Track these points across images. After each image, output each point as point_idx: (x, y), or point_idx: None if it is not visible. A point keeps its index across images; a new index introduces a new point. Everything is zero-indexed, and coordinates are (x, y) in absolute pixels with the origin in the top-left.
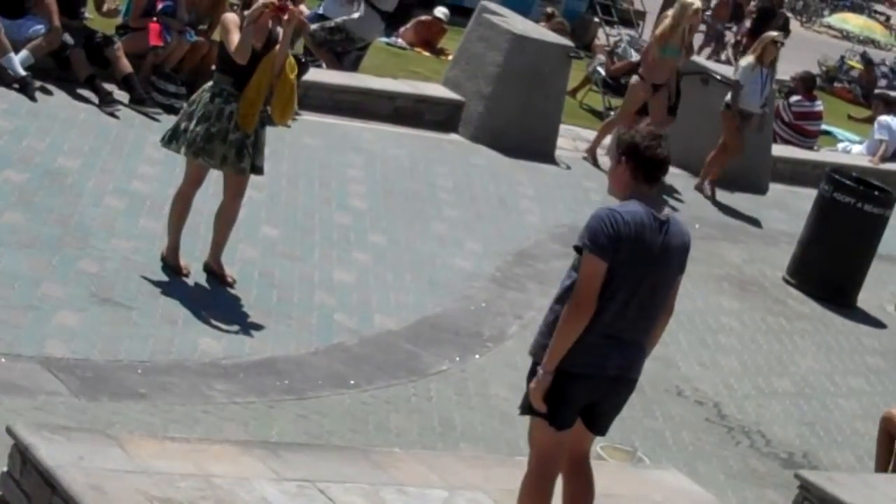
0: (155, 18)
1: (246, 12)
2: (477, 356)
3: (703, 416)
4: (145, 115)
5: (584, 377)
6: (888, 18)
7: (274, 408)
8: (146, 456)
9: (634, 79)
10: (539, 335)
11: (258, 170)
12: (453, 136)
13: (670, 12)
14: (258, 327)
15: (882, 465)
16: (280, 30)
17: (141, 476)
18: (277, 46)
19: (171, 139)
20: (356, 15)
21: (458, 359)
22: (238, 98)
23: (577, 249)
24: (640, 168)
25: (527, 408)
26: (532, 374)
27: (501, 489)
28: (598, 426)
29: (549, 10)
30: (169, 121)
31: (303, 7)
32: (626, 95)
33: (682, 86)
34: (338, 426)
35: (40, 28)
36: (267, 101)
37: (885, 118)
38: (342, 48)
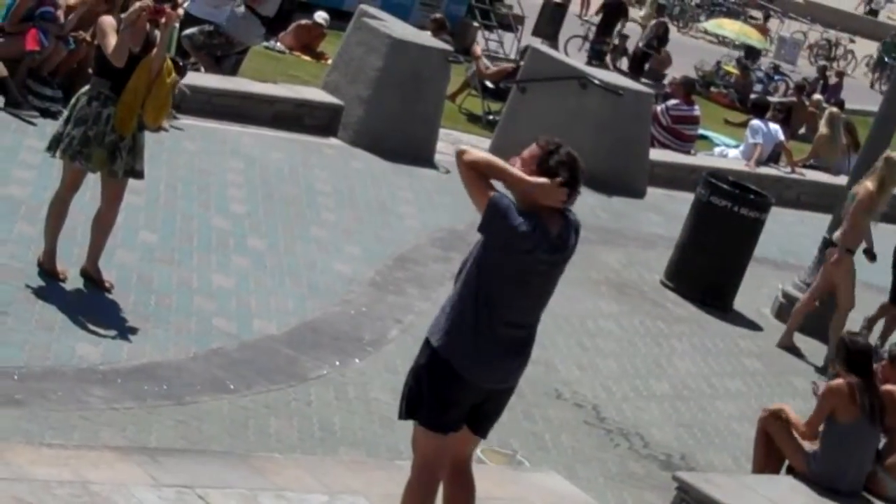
0: (33, 23)
1: (123, 15)
2: (357, 360)
3: (581, 419)
4: (21, 118)
5: (469, 381)
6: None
7: (152, 413)
8: (23, 463)
9: (834, 253)
10: (439, 317)
11: (138, 174)
12: (333, 141)
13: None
14: (136, 332)
15: (759, 466)
16: (157, 33)
17: (17, 483)
18: (155, 49)
19: (51, 144)
20: (225, 15)
21: (337, 363)
22: (115, 101)
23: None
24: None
25: (407, 411)
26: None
27: (382, 493)
28: (483, 429)
29: (438, 15)
30: (45, 124)
31: (180, 10)
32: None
33: (560, 90)
34: (217, 431)
35: None
36: (143, 105)
37: (757, 122)
38: (221, 52)
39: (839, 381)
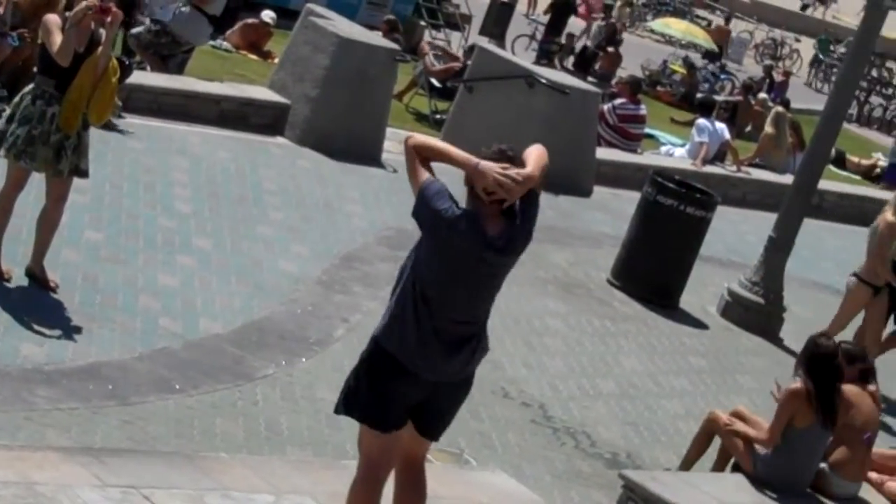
0: None
1: (68, 13)
2: (303, 360)
3: (528, 418)
4: None
5: (413, 375)
6: (710, 24)
7: (97, 414)
8: None
9: (852, 280)
10: (385, 312)
11: (82, 173)
12: (279, 140)
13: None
14: (81, 332)
15: (689, 462)
16: (102, 31)
17: None
18: (100, 48)
19: None
20: (170, 13)
21: (284, 363)
22: (60, 100)
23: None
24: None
25: (344, 406)
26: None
27: (329, 493)
28: (432, 431)
29: (391, 17)
30: None
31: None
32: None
33: (507, 89)
34: (162, 432)
35: None
36: (88, 103)
37: (703, 121)
38: (168, 51)
39: (798, 385)
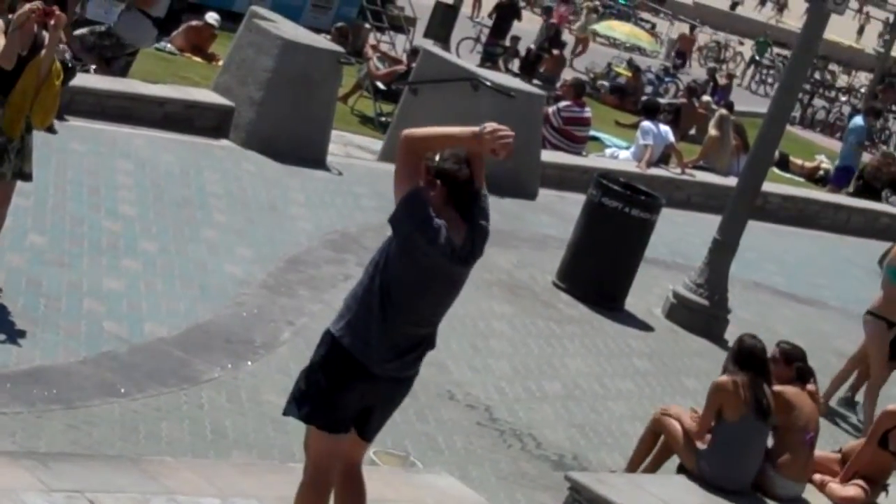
0: None
1: (11, 16)
2: (249, 363)
3: (474, 420)
4: None
5: (363, 372)
6: (653, 26)
7: (42, 418)
8: None
9: (867, 317)
10: (342, 308)
11: (26, 176)
12: (224, 142)
13: None
14: (25, 336)
15: (636, 464)
16: (46, 34)
17: None
18: (43, 51)
19: None
20: (114, 16)
21: (230, 366)
22: (3, 104)
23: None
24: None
25: (294, 407)
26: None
27: (275, 496)
28: (369, 432)
29: (342, 24)
30: None
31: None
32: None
33: (452, 91)
34: (107, 435)
35: None
36: (31, 107)
37: (647, 123)
38: (112, 53)
39: (725, 377)
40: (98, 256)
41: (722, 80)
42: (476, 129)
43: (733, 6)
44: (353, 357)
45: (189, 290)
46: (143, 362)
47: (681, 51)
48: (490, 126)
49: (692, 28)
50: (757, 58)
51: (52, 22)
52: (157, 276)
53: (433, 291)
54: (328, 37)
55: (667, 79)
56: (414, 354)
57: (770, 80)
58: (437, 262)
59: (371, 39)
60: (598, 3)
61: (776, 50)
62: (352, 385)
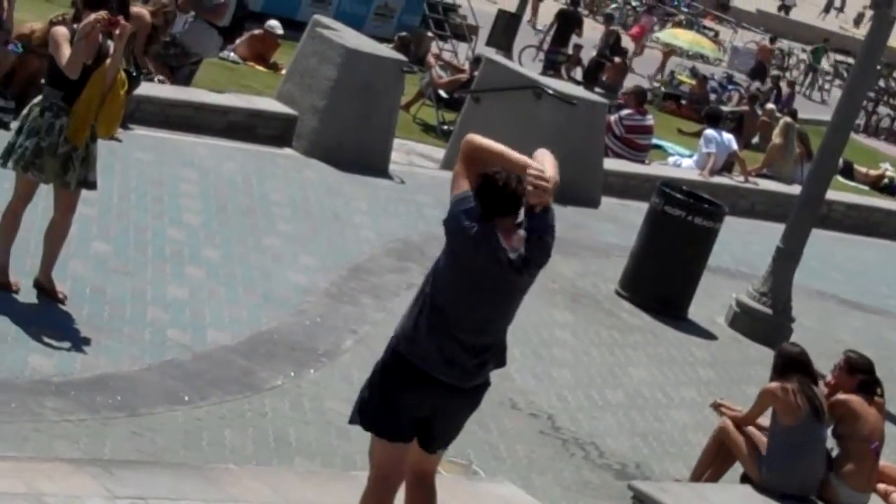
0: None
1: (76, 25)
2: (312, 371)
3: (537, 429)
4: None
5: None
6: (717, 34)
7: (106, 425)
8: None
9: None
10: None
11: (91, 185)
12: (287, 151)
13: None
14: (90, 344)
15: (699, 473)
16: (111, 43)
17: None
18: (108, 60)
19: (3, 156)
20: (181, 25)
21: (292, 374)
22: (68, 112)
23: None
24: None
25: (358, 415)
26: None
27: None
28: (434, 445)
29: (404, 34)
30: None
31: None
32: None
33: (514, 100)
34: (171, 443)
35: None
36: (96, 116)
37: (711, 132)
38: (176, 62)
39: (774, 384)
40: (162, 264)
41: (785, 88)
42: (529, 161)
43: (786, 10)
44: (408, 362)
45: (252, 298)
46: (207, 370)
47: (760, 62)
48: (536, 167)
49: (772, 39)
50: (814, 64)
51: (118, 31)
52: (220, 284)
53: (483, 298)
54: (391, 46)
55: (730, 86)
56: (474, 363)
57: (826, 86)
58: (484, 268)
59: (433, 48)
60: (682, 16)
61: (837, 57)
62: (408, 391)
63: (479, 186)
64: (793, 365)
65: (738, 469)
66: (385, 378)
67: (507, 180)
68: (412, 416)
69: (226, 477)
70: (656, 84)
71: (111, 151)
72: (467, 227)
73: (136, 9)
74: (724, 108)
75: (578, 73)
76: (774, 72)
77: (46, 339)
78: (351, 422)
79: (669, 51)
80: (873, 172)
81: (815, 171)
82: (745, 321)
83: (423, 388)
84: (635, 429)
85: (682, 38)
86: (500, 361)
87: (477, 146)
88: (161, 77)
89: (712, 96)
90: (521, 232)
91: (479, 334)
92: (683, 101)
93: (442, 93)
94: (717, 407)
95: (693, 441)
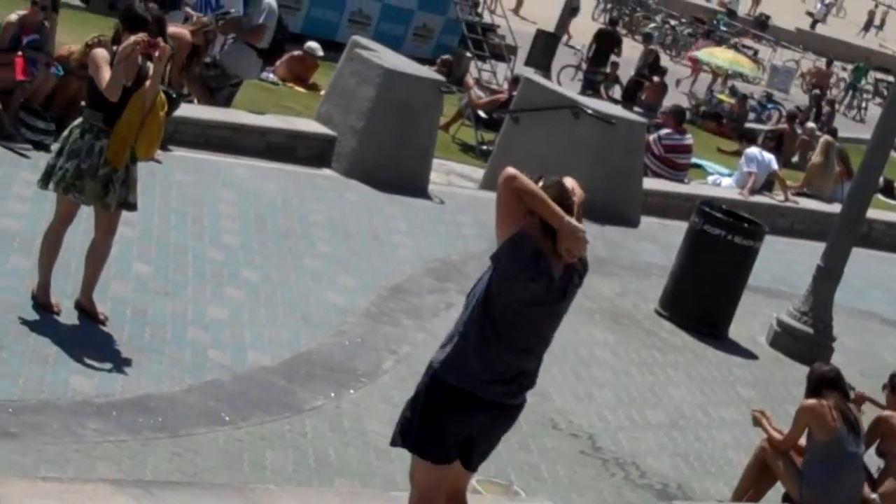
0: (20, 52)
1: (116, 48)
2: (352, 392)
3: (577, 449)
4: (14, 151)
5: (466, 400)
6: (756, 52)
7: (147, 446)
8: (18, 496)
9: None
10: (444, 341)
11: (131, 206)
12: (326, 172)
13: None
14: (131, 365)
15: (741, 493)
16: (150, 65)
17: None
18: (148, 82)
19: (44, 178)
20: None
21: (332, 394)
22: (108, 134)
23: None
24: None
25: (401, 438)
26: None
27: None
28: (474, 463)
29: (447, 57)
30: (38, 157)
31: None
32: None
33: (553, 119)
34: (212, 463)
35: None
36: (136, 137)
37: (752, 150)
38: (216, 84)
39: (811, 401)
40: (202, 285)
41: (825, 107)
42: (565, 218)
43: (813, 24)
44: (454, 387)
45: (292, 319)
46: (247, 391)
47: (817, 85)
48: (574, 226)
49: (829, 62)
50: (854, 83)
51: (157, 53)
52: (260, 305)
53: (532, 323)
54: (434, 68)
55: (769, 105)
56: (516, 384)
57: (865, 105)
58: (536, 296)
59: (472, 68)
60: (736, 40)
61: (877, 75)
62: (455, 415)
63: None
64: (825, 383)
65: (779, 489)
66: (429, 403)
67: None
68: (458, 439)
69: (266, 498)
70: (694, 103)
71: (151, 173)
72: (523, 266)
73: (177, 29)
74: (764, 127)
75: (616, 91)
76: (815, 90)
77: (88, 361)
78: (393, 444)
79: (722, 73)
80: None
81: (856, 190)
82: (785, 340)
83: (470, 411)
84: (676, 449)
85: (720, 56)
86: (533, 383)
87: (520, 189)
88: (194, 97)
89: (751, 115)
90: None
91: (526, 358)
92: (723, 120)
93: (481, 113)
94: (756, 418)
95: (734, 461)
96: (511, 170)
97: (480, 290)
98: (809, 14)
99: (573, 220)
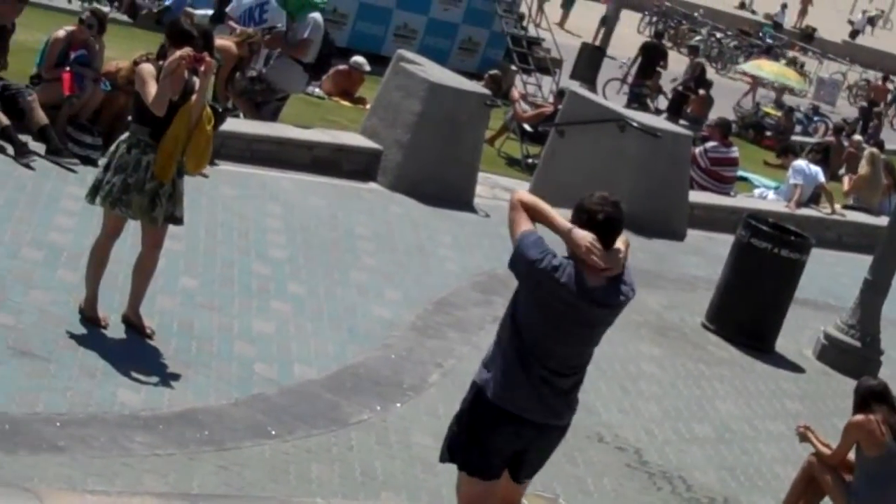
0: (68, 68)
1: (161, 62)
2: (398, 405)
3: (624, 462)
4: (62, 166)
5: (512, 419)
6: (802, 65)
7: (194, 459)
8: None
9: None
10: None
11: (177, 220)
12: (372, 185)
13: None
14: (177, 378)
15: None
16: (196, 79)
17: None
18: (194, 97)
19: (92, 193)
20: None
21: (378, 408)
22: (155, 148)
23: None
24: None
25: (448, 453)
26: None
27: None
28: (523, 476)
29: (495, 72)
30: (85, 172)
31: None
32: None
33: (598, 132)
34: (258, 477)
35: None
36: (183, 152)
37: (799, 162)
38: (262, 98)
39: (860, 416)
40: (248, 299)
41: (873, 119)
42: (570, 228)
43: (853, 34)
44: (498, 407)
45: (338, 332)
46: (294, 404)
47: (874, 101)
48: (588, 241)
49: (885, 77)
50: None
51: (203, 68)
52: (306, 318)
53: (567, 333)
54: (482, 83)
55: (816, 118)
56: (562, 402)
57: None
58: (567, 302)
59: (517, 82)
60: (795, 54)
61: None
62: (500, 433)
63: (578, 219)
64: (873, 397)
65: (828, 503)
66: (474, 420)
67: (599, 212)
68: (505, 454)
69: None
70: (739, 116)
71: (197, 187)
72: (541, 261)
73: (223, 41)
74: (810, 140)
75: (661, 102)
76: (862, 103)
77: (135, 374)
78: (442, 459)
79: (782, 89)
80: None
81: None
82: (833, 354)
83: (516, 430)
84: (723, 462)
85: (766, 69)
86: (576, 401)
87: (528, 202)
88: (240, 111)
89: (798, 128)
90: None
91: (567, 372)
92: (769, 133)
93: (526, 126)
94: (803, 434)
95: (782, 475)
96: (517, 192)
97: (511, 306)
98: (850, 23)
99: (578, 230)
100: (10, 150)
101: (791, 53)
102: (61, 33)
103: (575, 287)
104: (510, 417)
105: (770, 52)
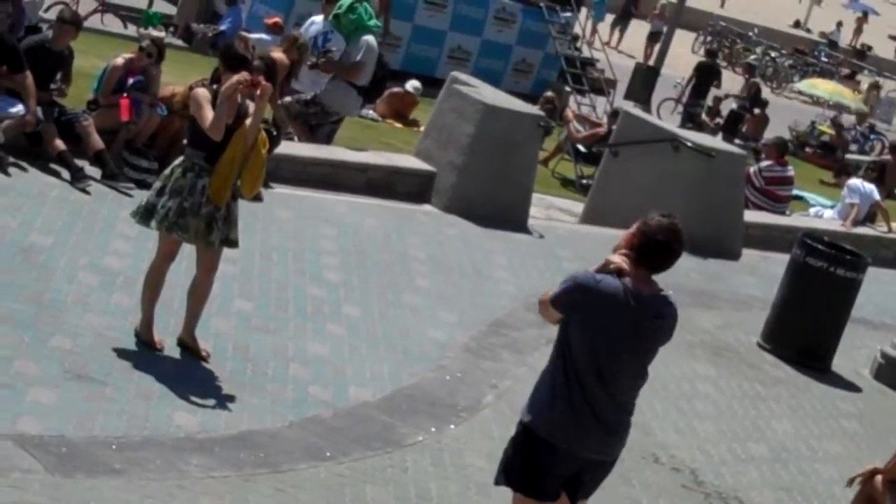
0: (126, 94)
1: (216, 86)
2: (452, 426)
3: (679, 483)
4: (117, 190)
5: (565, 452)
6: (858, 83)
7: (249, 481)
8: None
9: None
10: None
11: (232, 243)
12: (426, 207)
13: None
14: (233, 401)
15: None
16: (250, 103)
17: None
18: (249, 121)
19: (144, 216)
20: (322, 85)
21: (433, 429)
22: (210, 172)
23: None
24: (645, 255)
25: (504, 477)
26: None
27: None
28: (579, 496)
29: (550, 94)
30: (141, 196)
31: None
32: None
33: (653, 153)
34: (314, 499)
35: (18, 110)
36: (238, 175)
37: (854, 181)
38: (317, 121)
39: None
40: (303, 321)
41: None
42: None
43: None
44: (548, 442)
45: (393, 354)
46: (349, 426)
47: None
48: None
49: None
50: None
51: (259, 92)
52: (361, 340)
53: (621, 357)
54: (538, 105)
55: (872, 136)
56: (611, 437)
57: None
58: (618, 316)
59: (571, 102)
60: (877, 78)
61: None
62: (550, 464)
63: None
64: None
65: None
66: (525, 453)
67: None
68: (561, 478)
69: None
70: (794, 134)
71: (252, 210)
72: (598, 283)
73: (276, 54)
74: (866, 158)
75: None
76: None
77: (191, 397)
78: (497, 483)
79: (864, 114)
80: None
81: None
82: (890, 373)
83: (567, 463)
84: (779, 483)
85: (821, 87)
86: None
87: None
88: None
89: (853, 147)
90: (653, 281)
91: (618, 405)
92: (820, 151)
93: (580, 147)
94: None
95: (839, 495)
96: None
97: (559, 343)
98: (892, 38)
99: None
100: (67, 174)
101: (875, 79)
102: (120, 61)
103: (628, 297)
104: (560, 452)
105: (852, 78)
